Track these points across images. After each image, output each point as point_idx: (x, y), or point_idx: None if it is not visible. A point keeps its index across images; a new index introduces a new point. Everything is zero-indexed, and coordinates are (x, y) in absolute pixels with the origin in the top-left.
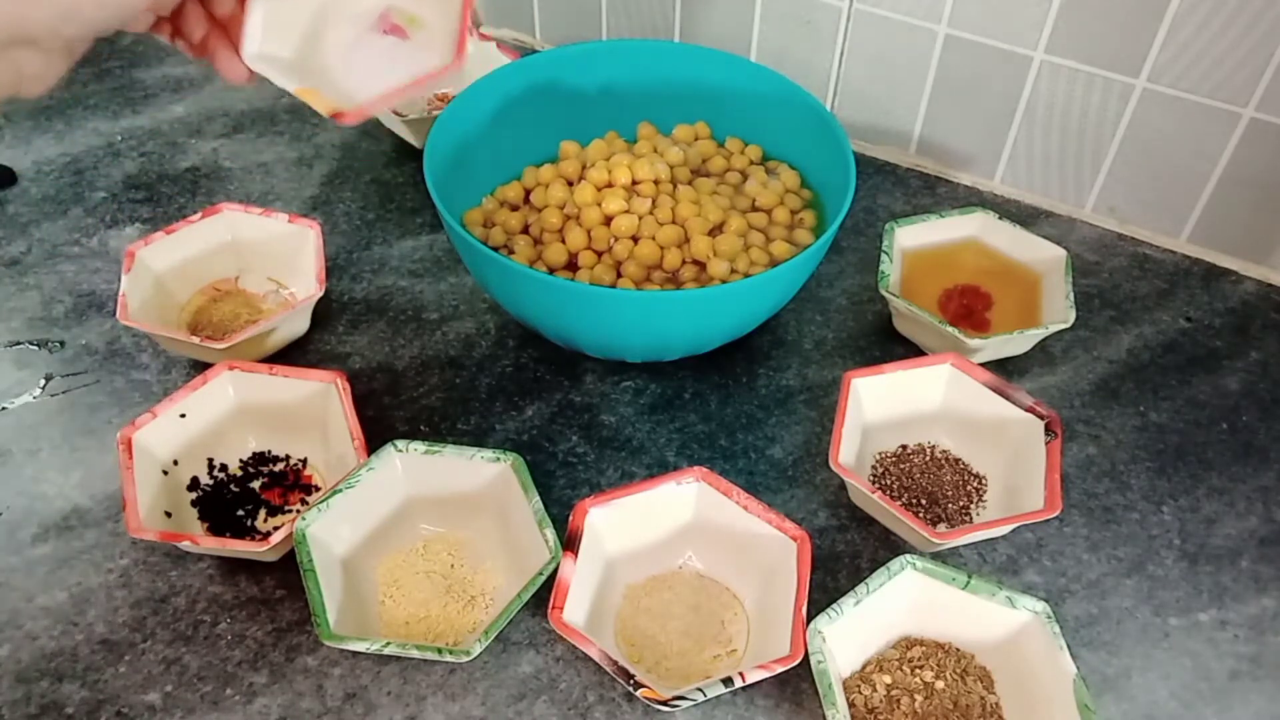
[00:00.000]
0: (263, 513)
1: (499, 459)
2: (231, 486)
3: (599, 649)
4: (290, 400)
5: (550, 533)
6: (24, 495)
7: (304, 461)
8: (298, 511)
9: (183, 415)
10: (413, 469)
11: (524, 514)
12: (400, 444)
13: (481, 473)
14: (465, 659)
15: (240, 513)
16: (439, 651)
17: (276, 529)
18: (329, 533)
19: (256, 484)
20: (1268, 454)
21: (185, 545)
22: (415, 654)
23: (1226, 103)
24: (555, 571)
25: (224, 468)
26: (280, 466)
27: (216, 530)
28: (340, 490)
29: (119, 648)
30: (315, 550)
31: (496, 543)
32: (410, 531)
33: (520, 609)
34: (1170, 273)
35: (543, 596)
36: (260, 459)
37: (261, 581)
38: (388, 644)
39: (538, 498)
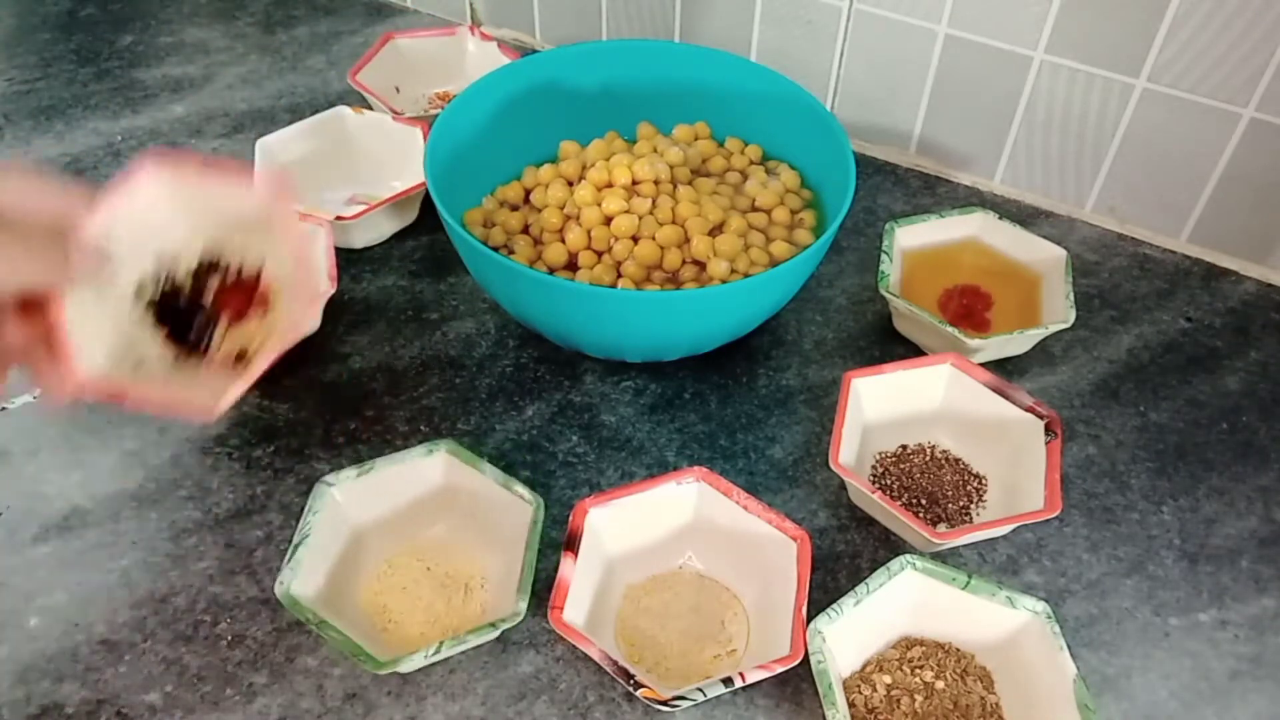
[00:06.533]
0: (220, 327)
1: (432, 451)
2: (181, 295)
3: (599, 649)
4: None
5: (521, 486)
6: (24, 495)
7: (258, 269)
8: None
9: (111, 229)
10: (354, 495)
11: (484, 486)
12: (329, 479)
13: (422, 471)
14: (517, 620)
15: (198, 322)
16: (493, 627)
17: (239, 347)
18: (308, 585)
19: (209, 292)
20: (1268, 454)
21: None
22: (472, 641)
23: (1226, 103)
24: (547, 517)
25: (170, 272)
26: (232, 273)
27: (175, 336)
28: (300, 544)
29: (119, 648)
30: (308, 604)
31: (466, 528)
32: (376, 554)
33: (538, 556)
34: (1170, 273)
35: (543, 596)
36: (210, 264)
37: (261, 582)
38: (440, 646)
39: (489, 465)
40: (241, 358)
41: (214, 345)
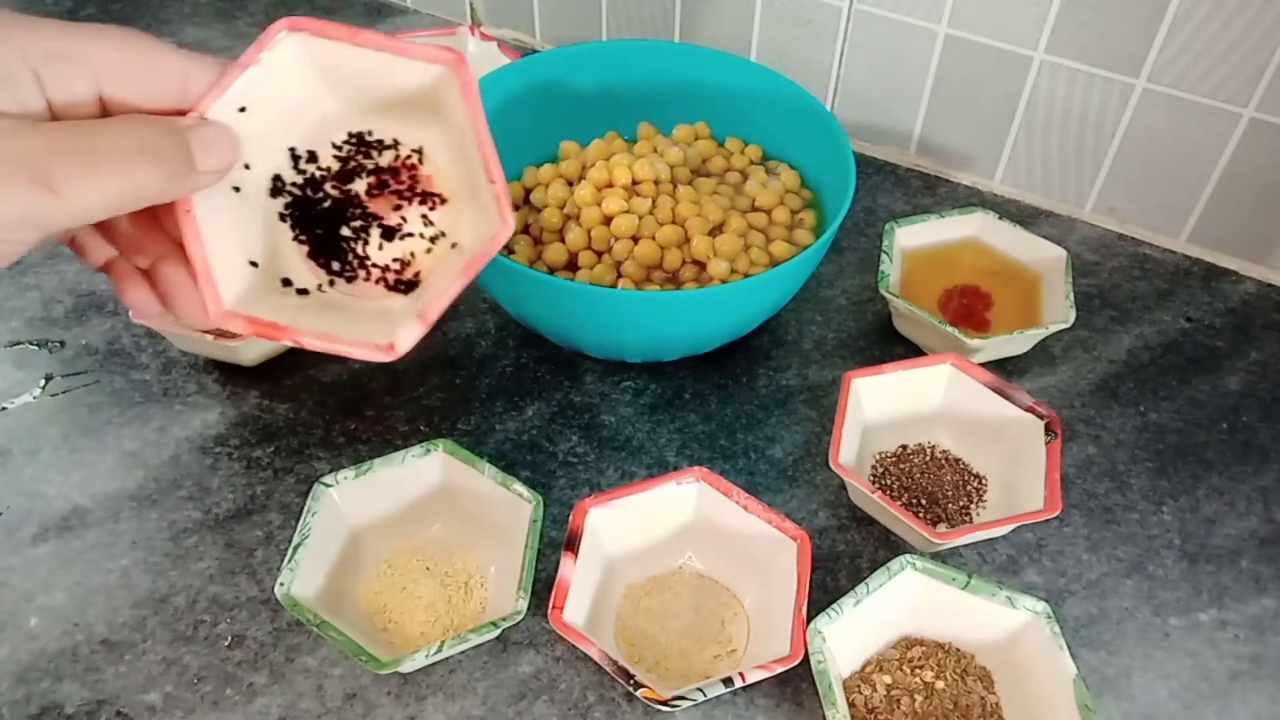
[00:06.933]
0: (376, 234)
1: (429, 450)
2: (327, 187)
3: (599, 649)
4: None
5: (519, 484)
6: (24, 495)
7: (418, 153)
8: (421, 236)
9: (242, 109)
10: (351, 496)
11: (482, 485)
12: (327, 479)
13: (420, 471)
14: (518, 619)
15: (346, 231)
16: (494, 625)
17: (400, 263)
18: (308, 587)
19: (360, 185)
20: (1268, 454)
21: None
22: (474, 640)
23: (1226, 103)
24: (546, 514)
25: (313, 157)
26: (388, 158)
27: (321, 251)
28: (300, 546)
29: (119, 648)
30: (308, 605)
31: (466, 527)
32: (375, 554)
33: (538, 555)
34: (1170, 273)
35: (543, 596)
36: (360, 144)
37: (262, 582)
38: (442, 645)
39: (487, 464)
40: (404, 273)
41: (369, 258)
